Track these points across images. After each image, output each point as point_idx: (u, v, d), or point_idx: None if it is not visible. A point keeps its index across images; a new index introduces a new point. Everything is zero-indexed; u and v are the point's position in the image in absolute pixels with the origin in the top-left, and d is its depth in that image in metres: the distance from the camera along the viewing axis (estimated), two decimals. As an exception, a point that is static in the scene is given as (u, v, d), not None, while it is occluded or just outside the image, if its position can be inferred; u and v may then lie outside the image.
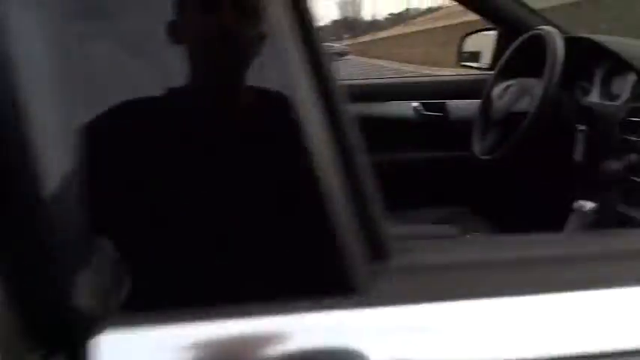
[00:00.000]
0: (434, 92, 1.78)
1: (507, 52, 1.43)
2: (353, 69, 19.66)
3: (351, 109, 1.74)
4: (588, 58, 1.37)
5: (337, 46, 31.79)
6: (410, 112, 1.76)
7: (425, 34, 14.93)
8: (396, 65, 18.28)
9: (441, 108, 1.75)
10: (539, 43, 1.25)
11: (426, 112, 1.75)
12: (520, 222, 1.46)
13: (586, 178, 1.20)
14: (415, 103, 1.76)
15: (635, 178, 1.02)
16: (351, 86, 1.88)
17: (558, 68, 1.16)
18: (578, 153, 1.21)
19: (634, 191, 1.03)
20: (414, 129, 1.76)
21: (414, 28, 19.43)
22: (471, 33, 1.83)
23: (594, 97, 1.35)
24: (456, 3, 1.59)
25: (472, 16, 1.69)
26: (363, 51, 28.88)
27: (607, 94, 1.32)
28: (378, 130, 1.79)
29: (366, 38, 33.99)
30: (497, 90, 1.40)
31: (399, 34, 21.72)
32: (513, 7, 1.51)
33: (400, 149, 1.78)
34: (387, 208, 1.61)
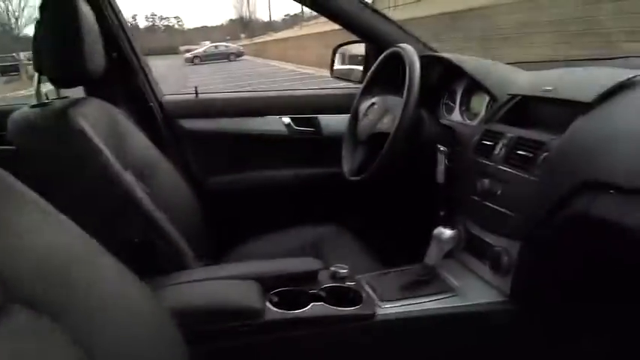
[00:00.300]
0: (306, 106, 1.70)
1: (371, 69, 1.39)
2: (249, 70, 19.44)
3: (219, 124, 1.60)
4: (450, 76, 1.37)
5: (233, 46, 31.41)
6: (280, 128, 1.67)
7: (320, 37, 15.15)
8: (291, 67, 18.33)
9: (313, 123, 1.68)
10: (399, 61, 1.21)
11: (296, 128, 1.67)
12: (389, 243, 1.43)
13: (447, 201, 1.19)
14: (285, 118, 1.67)
15: (489, 204, 1.01)
16: (217, 100, 1.74)
17: (416, 88, 1.12)
18: (440, 174, 1.19)
19: (489, 216, 1.01)
20: (284, 145, 1.67)
21: (309, 30, 19.63)
22: (343, 45, 1.78)
23: (456, 116, 1.35)
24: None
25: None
26: (259, 51, 28.62)
27: (467, 112, 1.32)
28: (248, 146, 1.68)
29: (262, 39, 33.82)
30: (363, 107, 1.35)
31: (295, 36, 21.84)
32: (377, 21, 1.48)
33: (271, 166, 1.68)
34: (261, 227, 1.50)
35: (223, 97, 1.76)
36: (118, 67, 1.44)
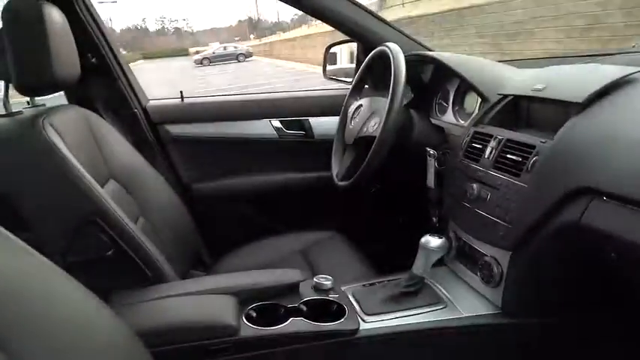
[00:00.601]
0: (296, 109, 1.65)
1: (359, 69, 1.34)
2: (259, 70, 19.43)
3: (206, 129, 1.55)
4: (442, 75, 1.32)
5: (242, 47, 31.44)
6: (270, 131, 1.62)
7: (327, 35, 15.14)
8: (301, 66, 18.26)
9: (303, 126, 1.63)
10: (386, 61, 1.16)
11: (287, 131, 1.62)
12: (383, 249, 1.38)
13: (439, 206, 1.13)
14: (275, 122, 1.62)
15: (478, 210, 0.95)
16: (204, 104, 1.70)
17: (400, 89, 1.07)
18: (430, 179, 1.13)
19: (478, 224, 0.95)
20: (275, 148, 1.63)
21: (317, 29, 19.59)
22: (335, 44, 1.73)
23: (449, 116, 1.29)
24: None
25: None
26: (268, 52, 28.60)
27: (461, 112, 1.26)
28: (237, 151, 1.63)
29: (271, 39, 33.88)
30: (351, 109, 1.30)
31: (303, 35, 21.80)
32: (366, 20, 1.43)
33: (262, 170, 1.64)
34: (253, 233, 1.45)
35: (210, 101, 1.71)
36: (98, 72, 1.40)
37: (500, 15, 7.36)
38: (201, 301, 0.91)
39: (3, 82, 1.01)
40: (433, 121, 1.30)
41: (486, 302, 0.96)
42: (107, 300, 0.87)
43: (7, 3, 0.96)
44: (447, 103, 1.31)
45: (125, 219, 0.99)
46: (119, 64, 1.46)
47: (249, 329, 0.86)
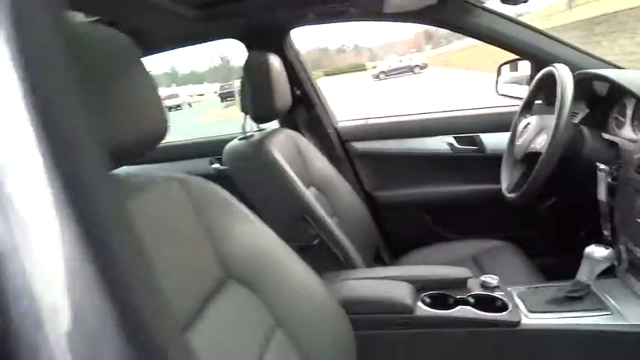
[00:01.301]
0: (468, 126, 1.78)
1: (529, 90, 1.42)
2: (437, 80, 19.32)
3: (387, 145, 1.81)
4: (618, 90, 1.32)
5: (417, 58, 31.51)
6: (443, 147, 1.78)
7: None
8: (484, 76, 17.63)
9: (475, 141, 1.75)
10: (554, 80, 1.23)
11: (459, 146, 1.76)
12: (552, 260, 1.43)
13: (611, 219, 1.16)
14: (449, 138, 1.77)
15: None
16: (384, 124, 1.93)
17: (566, 110, 1.13)
18: (602, 193, 1.17)
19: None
20: (448, 162, 1.78)
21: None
22: (508, 62, 1.80)
23: (627, 130, 1.30)
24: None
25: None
26: (444, 62, 28.25)
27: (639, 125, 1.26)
28: (413, 164, 1.83)
29: (446, 48, 33.32)
30: (520, 126, 1.39)
31: (473, 45, 21.04)
32: (536, 39, 1.50)
33: (436, 182, 1.80)
34: (426, 238, 1.64)
35: (390, 122, 1.95)
36: (301, 101, 1.75)
37: None
38: (387, 284, 1.12)
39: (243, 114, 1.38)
40: (606, 136, 1.31)
41: None
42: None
43: (247, 58, 1.33)
44: (625, 118, 1.31)
45: (326, 217, 1.27)
46: (317, 93, 1.79)
47: (423, 310, 1.04)
